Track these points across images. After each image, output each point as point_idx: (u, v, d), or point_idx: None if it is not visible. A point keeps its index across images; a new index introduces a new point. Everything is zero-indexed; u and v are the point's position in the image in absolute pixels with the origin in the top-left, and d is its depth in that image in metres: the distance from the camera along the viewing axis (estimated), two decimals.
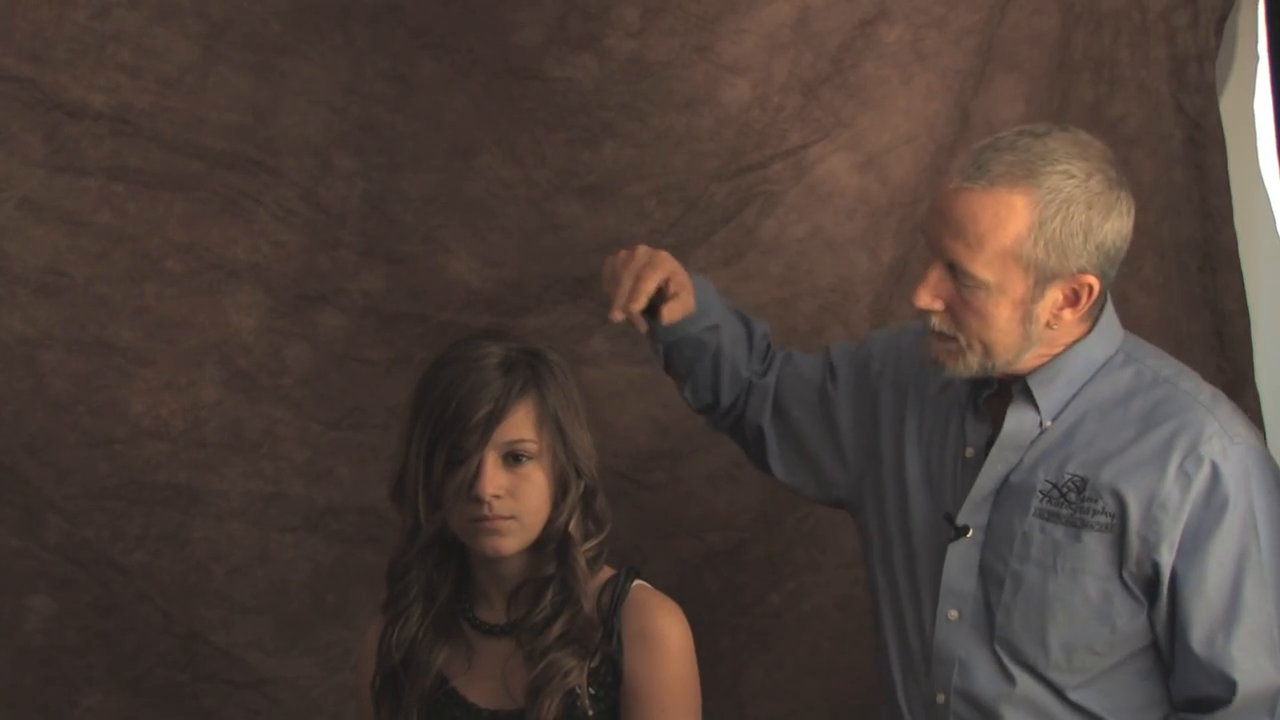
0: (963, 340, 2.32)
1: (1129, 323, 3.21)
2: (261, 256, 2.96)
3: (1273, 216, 3.44)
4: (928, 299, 2.32)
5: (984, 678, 2.38)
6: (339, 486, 3.00)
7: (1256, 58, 3.41)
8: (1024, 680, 2.37)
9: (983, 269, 2.28)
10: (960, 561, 2.40)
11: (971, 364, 2.33)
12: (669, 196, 2.96)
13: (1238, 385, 3.32)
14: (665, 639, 2.30)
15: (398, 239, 2.97)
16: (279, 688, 3.00)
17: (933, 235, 2.32)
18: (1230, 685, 2.30)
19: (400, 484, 2.33)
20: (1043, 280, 2.29)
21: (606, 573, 2.35)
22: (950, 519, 2.40)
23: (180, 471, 2.96)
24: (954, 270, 2.29)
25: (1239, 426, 2.35)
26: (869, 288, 3.01)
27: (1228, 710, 2.30)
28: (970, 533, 2.39)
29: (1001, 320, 2.31)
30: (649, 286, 2.45)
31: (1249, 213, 3.37)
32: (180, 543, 2.97)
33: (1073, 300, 2.32)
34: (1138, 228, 3.21)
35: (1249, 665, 2.30)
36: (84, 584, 2.95)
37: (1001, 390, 2.40)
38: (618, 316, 2.46)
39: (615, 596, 2.31)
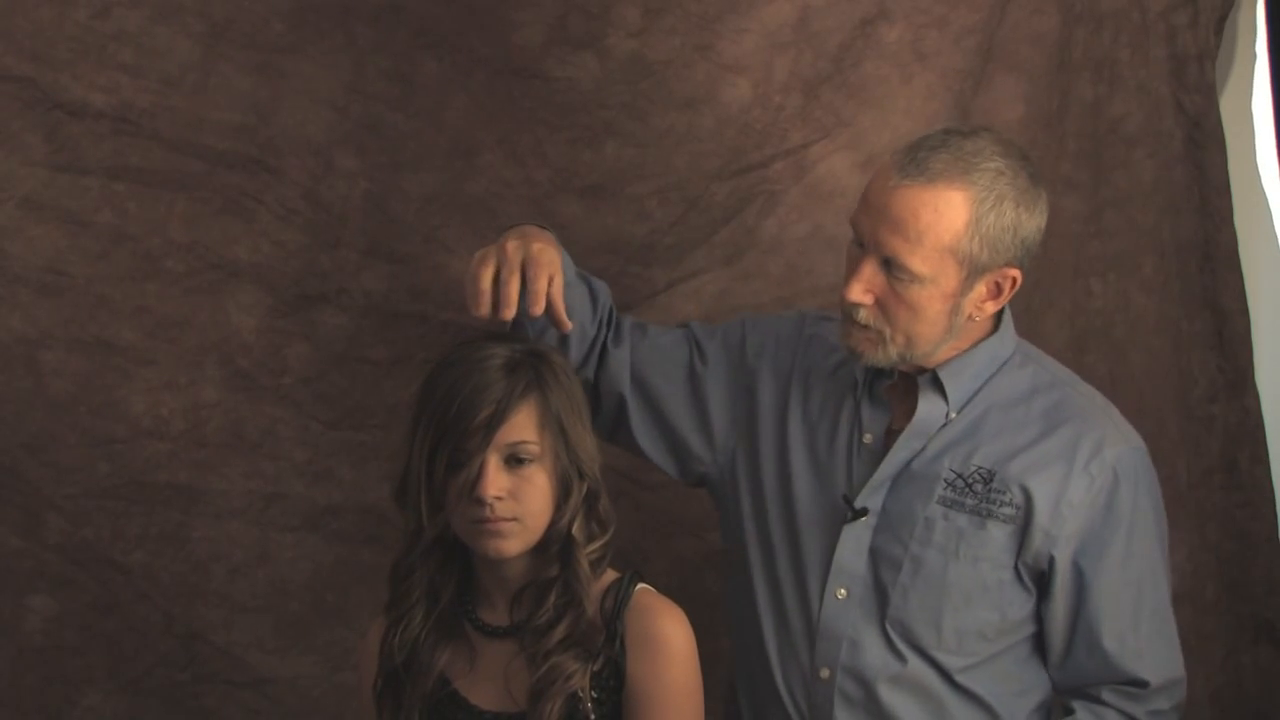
0: (887, 333, 2.40)
1: (1129, 323, 3.23)
2: (262, 256, 2.96)
3: (1272, 216, 3.44)
4: (859, 292, 2.39)
5: (873, 655, 2.45)
6: (339, 486, 3.00)
7: (1255, 57, 3.41)
8: (913, 660, 2.44)
9: (920, 264, 2.35)
10: (853, 542, 2.46)
11: (891, 354, 2.42)
12: (670, 196, 2.95)
13: (1238, 385, 3.32)
14: (669, 643, 2.30)
15: (399, 238, 2.97)
16: (279, 687, 3.00)
17: (868, 231, 2.39)
18: (1141, 682, 2.43)
19: (403, 485, 2.33)
20: (974, 274, 2.38)
21: (610, 576, 2.35)
22: (849, 501, 2.46)
23: (180, 471, 2.95)
24: (889, 265, 2.37)
25: (1130, 431, 2.49)
26: None
27: (1139, 692, 2.43)
28: (867, 515, 2.46)
29: (932, 313, 2.39)
30: (540, 287, 2.44)
31: (1249, 213, 3.37)
32: (180, 542, 2.96)
33: (995, 293, 2.42)
34: (1138, 227, 3.25)
35: (1154, 658, 2.44)
36: (84, 584, 2.95)
37: (901, 381, 2.48)
38: (484, 313, 2.44)
39: (619, 600, 2.31)
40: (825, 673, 2.47)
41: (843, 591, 2.46)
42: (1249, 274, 3.33)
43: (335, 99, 2.95)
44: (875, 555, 2.46)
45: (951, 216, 2.35)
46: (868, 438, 2.49)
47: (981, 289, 2.40)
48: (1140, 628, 2.44)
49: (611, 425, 2.66)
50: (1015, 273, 2.41)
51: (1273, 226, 3.44)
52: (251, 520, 2.99)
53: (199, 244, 2.94)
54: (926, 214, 2.35)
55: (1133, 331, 3.24)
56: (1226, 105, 3.35)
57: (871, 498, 2.46)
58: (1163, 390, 3.25)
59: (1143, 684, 2.43)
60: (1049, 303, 3.18)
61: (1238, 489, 3.33)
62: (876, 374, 2.49)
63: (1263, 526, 3.35)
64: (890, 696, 2.45)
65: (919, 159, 2.37)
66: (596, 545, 2.33)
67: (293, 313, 2.97)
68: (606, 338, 2.63)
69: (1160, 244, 3.26)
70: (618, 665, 2.30)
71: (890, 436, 2.48)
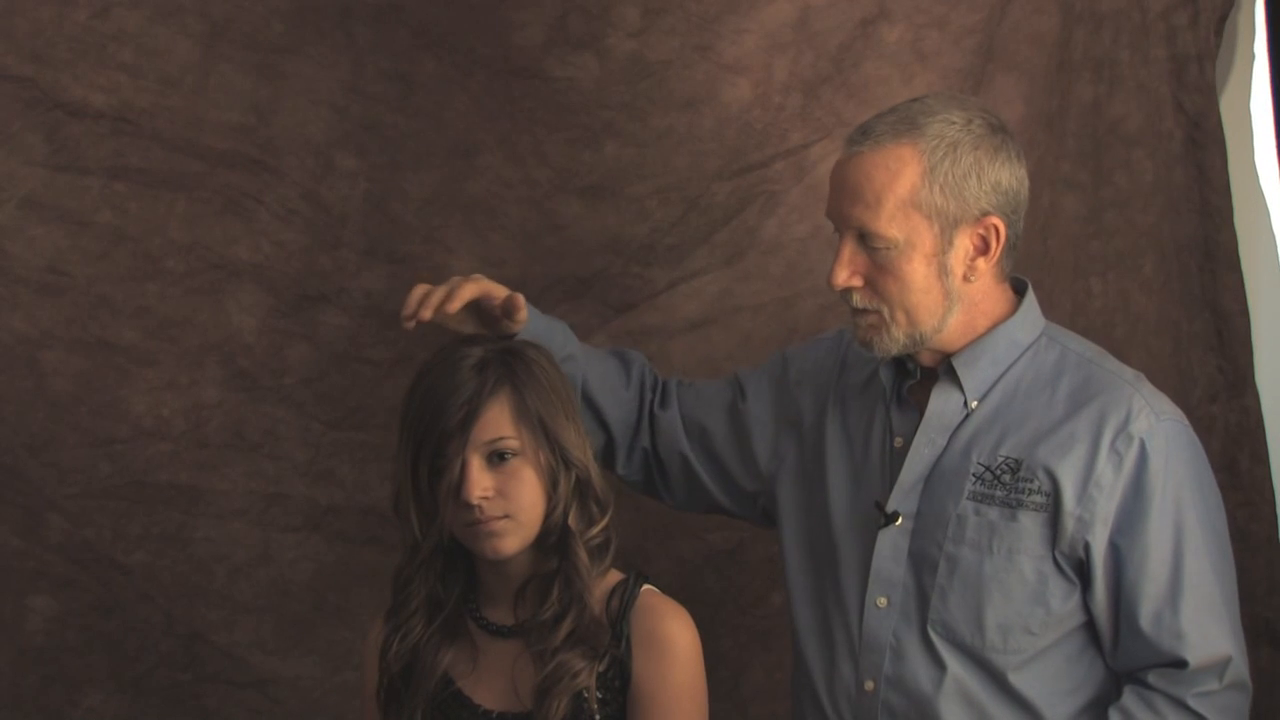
0: (885, 312, 2.37)
1: (1129, 322, 3.23)
2: (263, 256, 2.96)
3: (1272, 216, 3.45)
4: (844, 276, 2.37)
5: (916, 664, 2.41)
6: (340, 486, 3.00)
7: (1255, 57, 3.42)
8: (959, 665, 2.40)
9: (887, 226, 2.34)
10: (890, 548, 2.43)
11: (898, 336, 2.38)
12: (670, 196, 2.96)
13: (1238, 385, 3.32)
14: (674, 644, 2.30)
15: (399, 239, 2.97)
16: (280, 688, 3.00)
17: (835, 211, 2.38)
18: (1180, 661, 2.34)
19: (397, 498, 2.33)
20: (948, 227, 2.35)
21: (615, 576, 2.35)
22: (880, 506, 2.43)
23: (181, 471, 2.96)
24: (863, 239, 2.36)
25: (1163, 404, 2.41)
26: None
27: (1181, 673, 2.35)
28: (900, 520, 2.42)
29: (919, 278, 2.36)
30: (464, 294, 2.48)
31: (1249, 213, 3.37)
32: (182, 543, 2.96)
33: (983, 249, 2.38)
34: (1138, 227, 3.25)
35: (1197, 637, 2.35)
36: (85, 584, 2.95)
37: (925, 379, 2.45)
38: (410, 325, 2.48)
39: (624, 600, 2.31)
40: (869, 685, 2.43)
41: (883, 600, 2.43)
42: (1249, 274, 3.33)
43: (335, 99, 2.95)
44: (914, 559, 2.41)
45: (905, 171, 2.33)
46: (898, 441, 2.45)
47: (965, 244, 2.36)
48: (1180, 606, 2.34)
49: (686, 490, 2.67)
50: (996, 221, 2.35)
51: (1272, 226, 3.44)
52: (253, 520, 2.99)
53: (199, 244, 2.94)
54: (879, 174, 2.33)
55: (1133, 331, 3.24)
56: (1226, 105, 3.35)
57: (905, 501, 2.42)
58: (1163, 390, 3.24)
59: (1182, 664, 2.34)
60: (1049, 303, 3.17)
61: (1238, 489, 3.33)
62: (902, 376, 2.46)
63: (1263, 526, 3.35)
64: (934, 706, 2.40)
65: (866, 127, 2.37)
66: (597, 529, 2.32)
67: (293, 313, 2.97)
68: (653, 403, 2.64)
69: (1160, 244, 3.26)
70: (623, 665, 2.30)
71: (917, 433, 2.44)
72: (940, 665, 2.40)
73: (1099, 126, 3.23)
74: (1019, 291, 2.47)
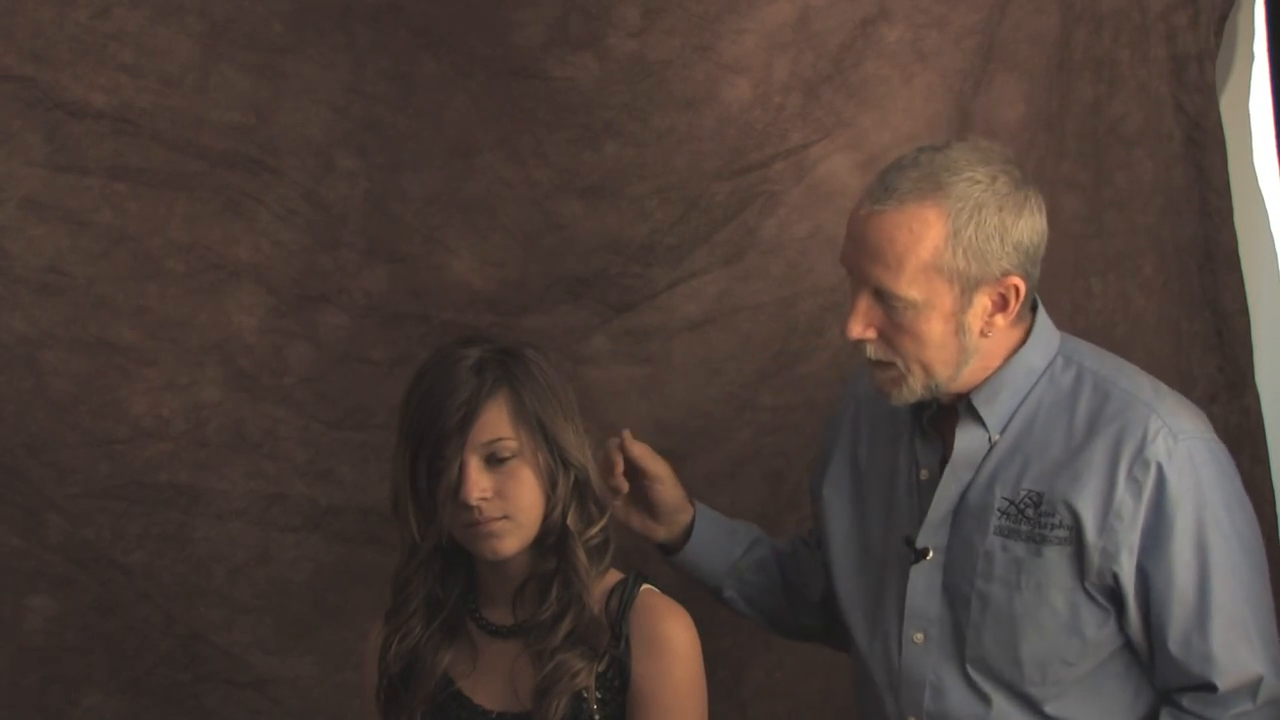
0: (901, 365, 2.33)
1: (1129, 322, 3.23)
2: (263, 256, 2.96)
3: (1272, 216, 3.45)
4: (859, 329, 2.32)
5: (957, 699, 2.39)
6: (340, 486, 3.00)
7: (1255, 57, 3.42)
8: (1000, 699, 2.37)
9: (907, 288, 2.28)
10: (924, 583, 2.40)
11: (915, 388, 2.34)
12: (670, 196, 2.96)
13: (1238, 385, 3.32)
14: (673, 644, 2.30)
15: (399, 239, 2.97)
16: (280, 687, 3.00)
17: (853, 264, 2.33)
18: (1209, 685, 2.31)
19: (395, 499, 2.33)
20: (968, 289, 2.30)
21: (614, 576, 2.35)
22: (910, 542, 2.41)
23: (181, 471, 2.96)
24: (880, 295, 2.30)
25: (1183, 420, 2.35)
26: None
27: (1212, 697, 2.32)
28: (930, 554, 2.40)
29: (935, 336, 2.31)
30: (637, 452, 2.57)
31: (1249, 213, 3.37)
32: (181, 542, 2.96)
33: (1001, 305, 2.33)
34: (1137, 227, 3.24)
35: (1225, 660, 2.32)
36: (85, 584, 2.95)
37: (945, 408, 2.41)
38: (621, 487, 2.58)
39: (624, 600, 2.31)
40: None
41: (919, 636, 2.40)
42: (1249, 274, 3.33)
43: (335, 99, 2.95)
44: (948, 594, 2.39)
45: (928, 234, 2.27)
46: (924, 474, 2.42)
47: (985, 302, 2.31)
48: (1208, 629, 2.30)
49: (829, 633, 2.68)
50: (1017, 281, 2.30)
51: (1272, 226, 3.44)
52: (252, 520, 2.99)
53: (199, 244, 2.94)
54: (902, 236, 2.27)
55: (1133, 331, 3.24)
56: (1226, 105, 3.35)
57: (934, 536, 2.39)
58: None
59: (1211, 688, 2.30)
60: (1049, 303, 3.15)
61: None
62: (922, 408, 2.42)
63: (1263, 526, 3.33)
64: None
65: (888, 182, 2.30)
66: (596, 529, 2.32)
67: (293, 313, 2.97)
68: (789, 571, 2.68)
69: (1160, 244, 3.26)
70: (622, 665, 2.30)
71: (945, 469, 2.41)
72: (983, 701, 2.38)
73: (1099, 126, 3.23)
74: (1029, 307, 2.42)
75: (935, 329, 2.31)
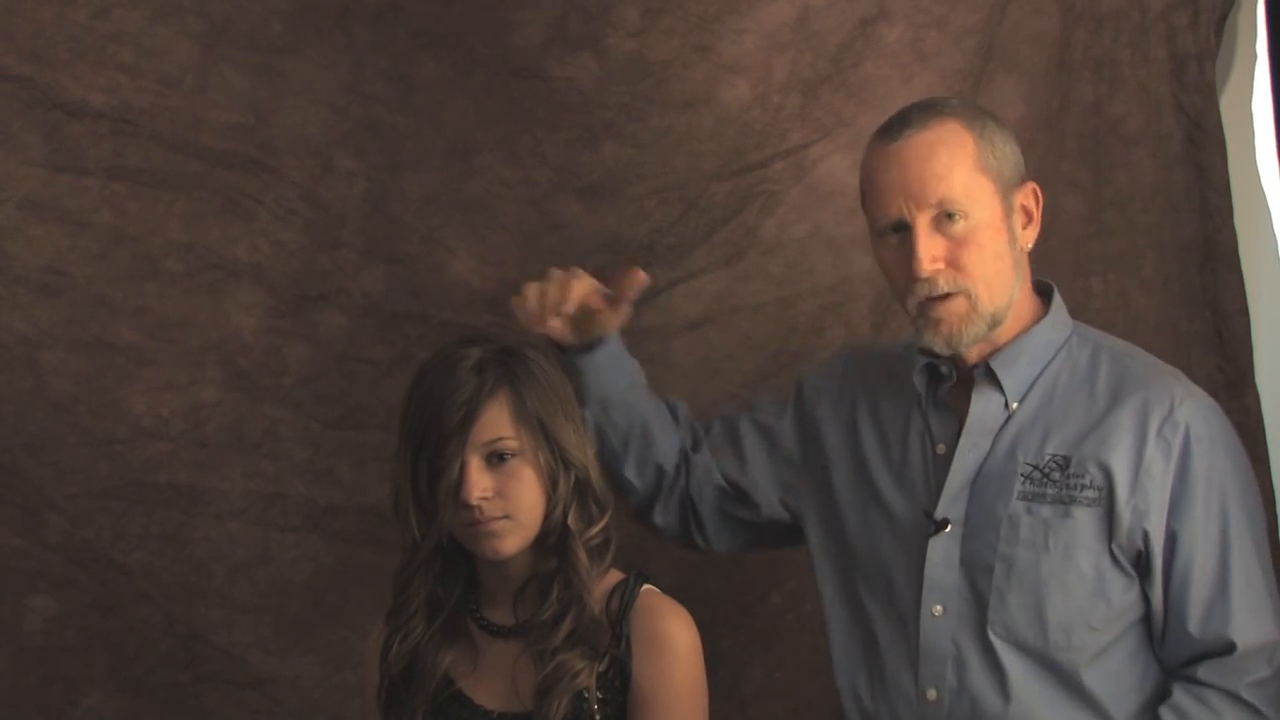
0: (971, 290, 2.37)
1: (1129, 322, 3.23)
2: (262, 256, 2.96)
3: (1272, 216, 3.44)
4: (929, 262, 2.37)
5: (978, 670, 2.40)
6: (339, 486, 3.00)
7: (1255, 57, 3.41)
8: (1025, 668, 2.39)
9: (964, 194, 2.36)
10: (941, 555, 2.42)
11: (985, 315, 2.39)
12: (669, 196, 2.96)
13: (1238, 385, 3.32)
14: (674, 644, 2.30)
15: (398, 239, 2.97)
16: (280, 687, 3.00)
17: (898, 200, 2.38)
18: (1229, 645, 2.35)
19: (396, 499, 2.33)
20: (1007, 191, 2.40)
21: (615, 576, 2.35)
22: (929, 514, 2.43)
23: (181, 471, 2.96)
24: (937, 218, 2.36)
25: (1200, 390, 2.44)
26: (870, 287, 3.01)
27: (1229, 659, 2.35)
28: (949, 526, 2.42)
29: (996, 245, 2.38)
30: (579, 289, 2.55)
31: (1249, 213, 3.37)
32: (181, 542, 2.96)
33: (1027, 218, 2.43)
34: (1137, 227, 3.24)
35: (1246, 620, 2.36)
36: (85, 584, 2.95)
37: (960, 382, 2.45)
38: (550, 324, 2.55)
39: (624, 600, 2.31)
40: (933, 694, 2.43)
41: (939, 608, 2.42)
42: (1249, 274, 3.32)
43: (334, 99, 2.95)
44: (967, 565, 2.41)
45: (962, 140, 2.38)
46: (940, 448, 2.46)
47: (1019, 210, 2.41)
48: (1229, 591, 2.35)
49: (718, 526, 2.67)
50: (1033, 185, 2.43)
51: (1273, 226, 3.44)
52: (252, 520, 2.99)
53: (199, 244, 2.94)
54: (942, 149, 2.37)
55: (1133, 331, 3.24)
56: (1226, 105, 3.34)
57: (953, 507, 2.42)
58: None
59: (1231, 647, 2.34)
60: None
61: None
62: (936, 381, 2.46)
63: None
64: (1003, 713, 2.39)
65: (902, 117, 2.41)
66: (596, 528, 2.32)
67: (292, 313, 2.97)
68: (689, 445, 2.66)
69: (1160, 244, 3.26)
70: (623, 665, 2.30)
71: (960, 439, 2.44)
72: (1004, 670, 2.39)
73: (1099, 126, 3.23)
74: (1043, 294, 2.50)
75: (994, 237, 2.38)
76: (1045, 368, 2.44)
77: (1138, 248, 3.25)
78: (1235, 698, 2.35)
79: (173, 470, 2.96)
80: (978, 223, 2.36)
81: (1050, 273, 3.13)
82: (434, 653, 2.34)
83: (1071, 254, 3.21)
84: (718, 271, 2.98)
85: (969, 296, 2.37)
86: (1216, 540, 2.37)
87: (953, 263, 2.36)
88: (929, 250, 2.36)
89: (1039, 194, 2.43)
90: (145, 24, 2.90)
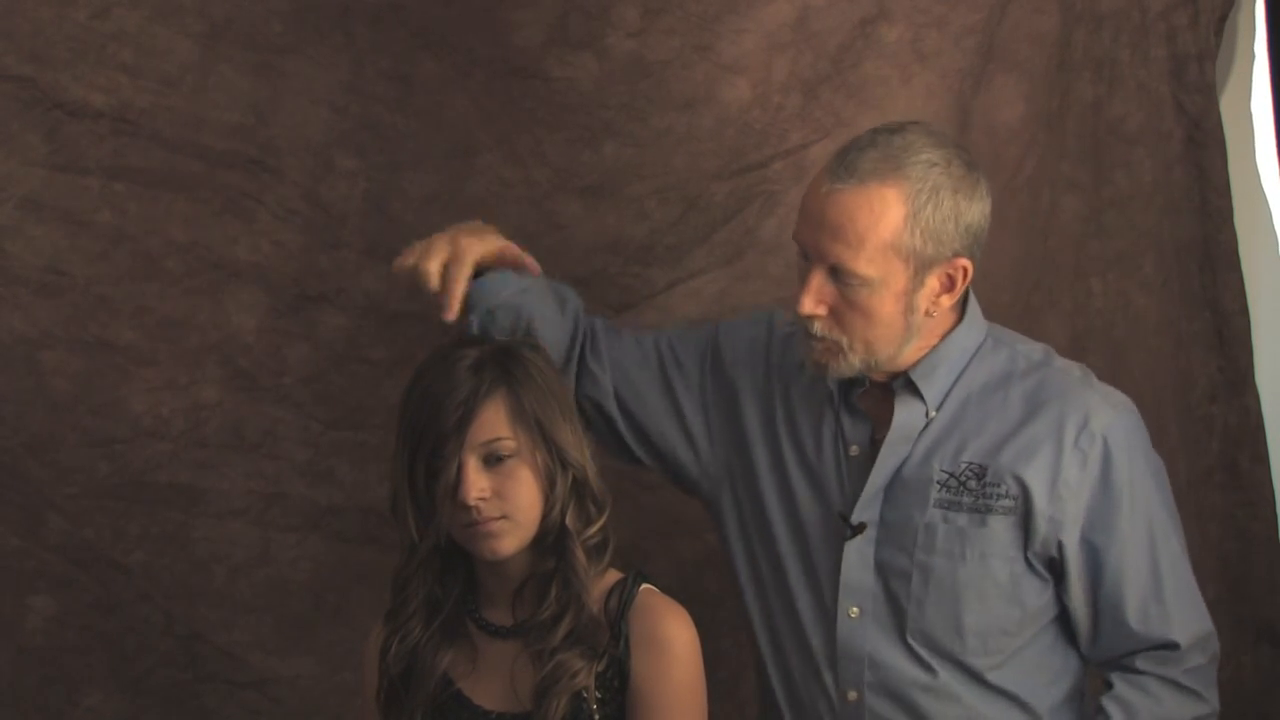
0: (845, 342, 2.36)
1: (1129, 322, 3.23)
2: (262, 256, 2.96)
3: (1272, 216, 3.45)
4: (811, 305, 2.35)
5: (898, 671, 2.42)
6: (340, 486, 3.00)
7: (1255, 57, 3.41)
8: (942, 668, 2.42)
9: (865, 266, 2.32)
10: (857, 558, 2.43)
11: (854, 363, 2.38)
12: (669, 196, 2.96)
13: (1238, 385, 3.32)
14: (673, 644, 2.29)
15: (398, 238, 2.95)
16: (280, 687, 3.00)
17: (810, 241, 2.35)
18: (1172, 644, 2.40)
19: (394, 499, 2.33)
20: (921, 269, 2.35)
21: (614, 576, 2.34)
22: (845, 518, 2.43)
23: (181, 471, 2.96)
24: (836, 273, 2.34)
25: (1115, 397, 2.45)
26: None
27: (1172, 654, 2.40)
28: (865, 529, 2.42)
29: (885, 314, 2.35)
30: (466, 272, 2.49)
31: (1249, 213, 3.37)
32: (181, 542, 2.96)
33: (948, 286, 2.38)
34: (1138, 227, 3.24)
35: (1183, 619, 2.41)
36: (85, 584, 2.95)
37: (873, 387, 2.45)
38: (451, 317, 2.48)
39: (623, 600, 2.31)
40: (853, 695, 2.44)
41: (855, 610, 2.43)
42: (1249, 274, 3.33)
43: (334, 99, 2.95)
44: (882, 569, 2.42)
45: (889, 214, 2.31)
46: (854, 450, 2.46)
47: (934, 283, 2.36)
48: (1162, 592, 2.40)
49: (602, 437, 2.63)
50: (965, 263, 2.36)
51: (1273, 226, 3.44)
52: (252, 520, 2.99)
53: (199, 244, 2.94)
54: (863, 215, 2.31)
55: (1133, 331, 3.24)
56: (1226, 105, 3.34)
57: (867, 510, 2.43)
58: (1163, 390, 3.25)
59: (1174, 646, 2.40)
60: (1049, 302, 3.18)
61: (1238, 489, 3.33)
62: (850, 384, 2.46)
63: (1263, 526, 3.35)
64: (921, 709, 2.42)
65: (848, 161, 2.34)
66: (595, 528, 2.32)
67: (293, 313, 2.97)
68: (585, 349, 2.61)
69: (1160, 244, 3.26)
70: (622, 665, 2.30)
71: (875, 446, 2.44)
72: (927, 669, 2.41)
73: (1099, 126, 3.23)
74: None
75: (886, 307, 2.35)
76: (961, 374, 2.44)
77: (1138, 248, 3.26)
78: (1175, 684, 2.41)
79: (173, 470, 2.96)
80: (872, 293, 2.33)
81: (1050, 273, 3.15)
82: (433, 653, 2.34)
83: (1071, 254, 3.21)
84: (718, 271, 2.98)
85: (841, 345, 2.37)
86: (1146, 546, 2.40)
87: (834, 314, 2.35)
88: (815, 294, 2.35)
89: (969, 270, 2.37)
90: (145, 24, 2.90)
